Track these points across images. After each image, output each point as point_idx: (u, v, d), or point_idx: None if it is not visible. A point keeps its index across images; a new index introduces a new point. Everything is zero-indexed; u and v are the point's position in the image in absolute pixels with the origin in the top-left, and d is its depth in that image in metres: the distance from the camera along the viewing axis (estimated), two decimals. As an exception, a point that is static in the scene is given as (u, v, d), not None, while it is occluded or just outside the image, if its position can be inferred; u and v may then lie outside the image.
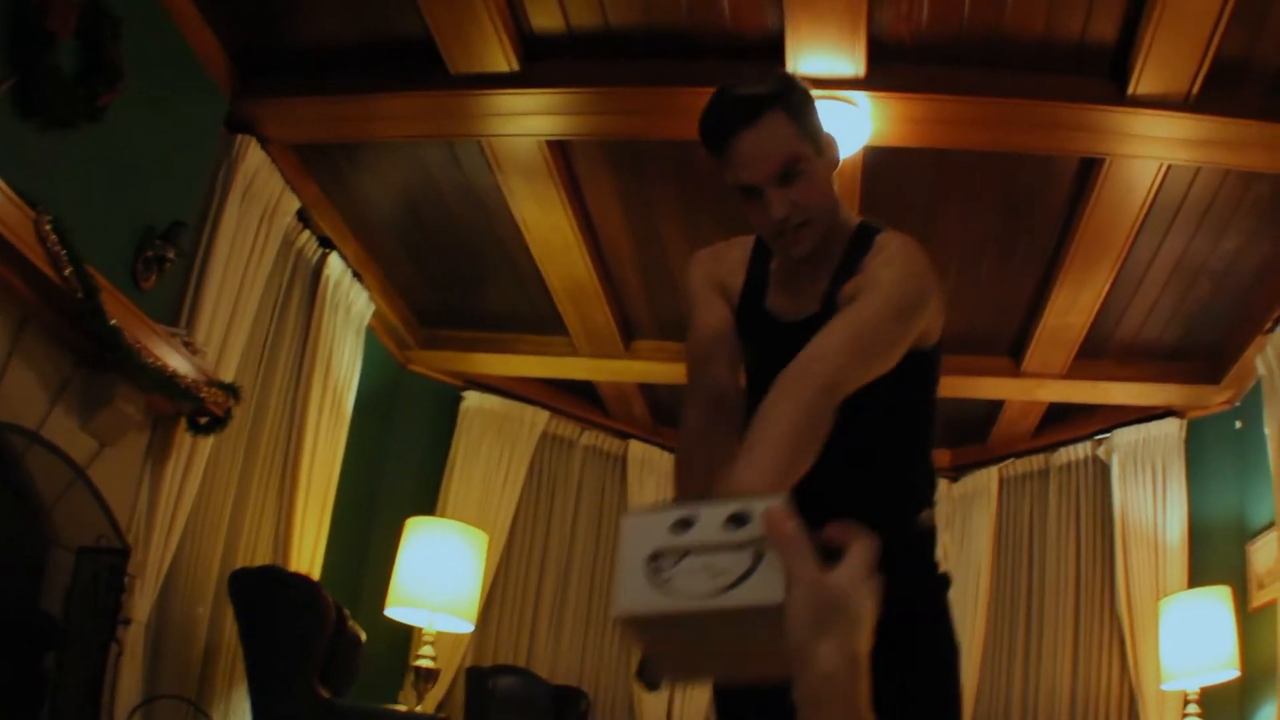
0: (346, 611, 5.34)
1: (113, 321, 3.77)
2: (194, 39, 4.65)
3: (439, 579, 6.04)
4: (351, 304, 6.20)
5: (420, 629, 6.19)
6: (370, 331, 6.54)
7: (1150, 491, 6.78)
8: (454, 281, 6.67)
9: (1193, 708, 5.73)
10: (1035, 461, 7.64)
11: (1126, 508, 6.86)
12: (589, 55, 4.73)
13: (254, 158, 5.05)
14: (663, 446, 8.01)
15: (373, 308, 6.44)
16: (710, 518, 1.13)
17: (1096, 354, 6.48)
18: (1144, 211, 5.07)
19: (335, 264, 5.99)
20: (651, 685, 1.83)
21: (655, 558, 1.11)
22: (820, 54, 4.41)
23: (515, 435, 7.61)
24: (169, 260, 4.48)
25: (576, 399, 7.96)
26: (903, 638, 2.39)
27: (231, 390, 4.59)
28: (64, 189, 3.82)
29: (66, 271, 3.58)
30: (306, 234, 5.79)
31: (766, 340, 2.42)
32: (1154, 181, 4.86)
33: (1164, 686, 6.05)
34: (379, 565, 6.44)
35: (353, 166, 5.61)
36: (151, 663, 4.73)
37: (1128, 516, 6.83)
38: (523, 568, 7.58)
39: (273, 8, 4.72)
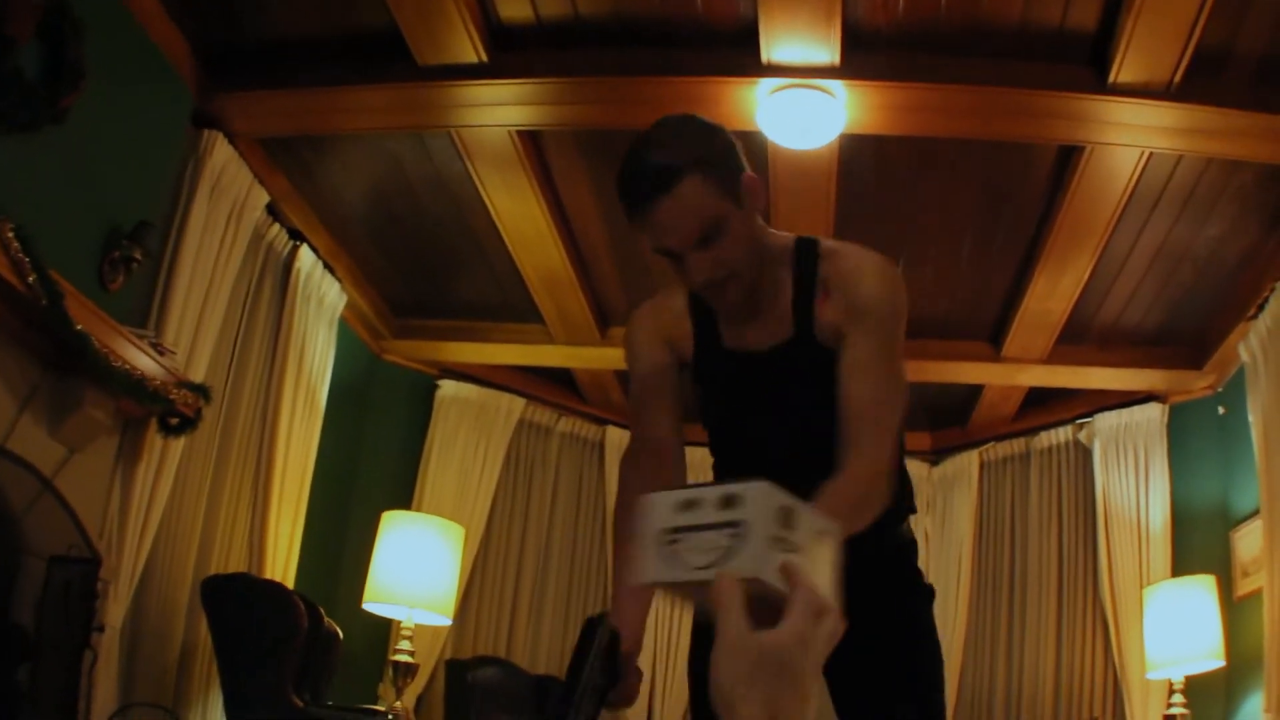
0: (322, 610, 5.30)
1: (79, 327, 3.71)
2: (158, 36, 4.57)
3: (415, 574, 5.98)
4: (324, 296, 6.13)
5: (398, 623, 6.14)
6: (343, 322, 6.47)
7: (1132, 477, 6.75)
8: (427, 271, 6.61)
9: (1178, 698, 5.71)
10: (1016, 445, 7.61)
11: (1109, 493, 6.83)
12: (558, 45, 4.67)
13: (221, 153, 4.97)
14: (640, 432, 7.93)
15: (345, 299, 6.37)
16: (708, 499, 1.29)
17: (1078, 339, 6.45)
18: (1125, 199, 5.03)
19: (306, 256, 5.91)
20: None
21: (669, 532, 1.30)
22: (794, 42, 4.35)
23: (492, 423, 7.55)
24: (136, 260, 4.42)
25: (553, 386, 7.90)
26: (886, 651, 2.37)
27: (201, 391, 4.53)
28: (27, 193, 3.77)
29: (30, 279, 3.52)
30: (276, 227, 5.71)
31: (738, 376, 2.40)
32: (1135, 169, 4.82)
33: (1149, 676, 6.03)
34: (356, 559, 6.38)
35: (322, 159, 5.54)
36: (127, 668, 4.69)
37: (1110, 502, 6.81)
38: (501, 556, 7.53)
39: (237, 2, 4.64)
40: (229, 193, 5.06)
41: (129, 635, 4.67)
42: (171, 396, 4.31)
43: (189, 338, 4.81)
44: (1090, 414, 7.13)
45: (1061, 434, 7.36)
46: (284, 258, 5.84)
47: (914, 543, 2.64)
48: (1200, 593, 5.77)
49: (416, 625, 6.07)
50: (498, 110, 4.91)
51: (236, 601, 4.85)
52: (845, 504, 1.94)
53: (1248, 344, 5.62)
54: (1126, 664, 6.39)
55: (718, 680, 1.04)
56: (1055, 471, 7.35)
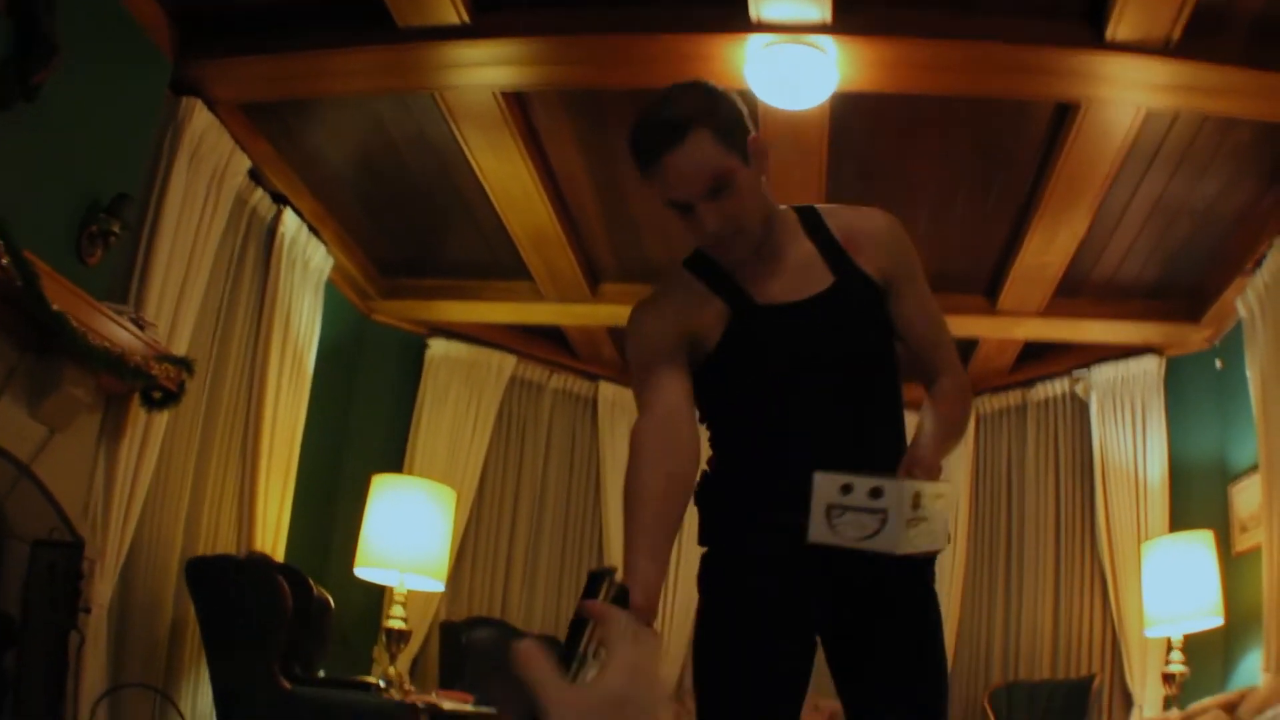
0: (311, 580, 5.25)
1: (55, 308, 3.64)
2: (133, 5, 4.46)
3: (407, 538, 5.92)
4: (309, 259, 6.05)
5: (391, 588, 6.09)
6: (331, 285, 6.39)
7: (1130, 430, 6.71)
8: (414, 232, 6.54)
9: (1176, 654, 5.69)
10: (1013, 397, 7.56)
11: (1106, 446, 6.79)
12: (541, 4, 4.57)
13: (200, 119, 4.88)
14: (633, 387, 7.87)
15: (331, 261, 6.28)
16: (861, 488, 1.90)
17: (1074, 292, 6.39)
18: (1122, 155, 4.96)
19: (290, 220, 5.83)
20: None
21: (832, 508, 1.89)
22: (785, -2, 4.25)
23: (483, 381, 7.49)
24: (114, 234, 4.33)
25: (544, 343, 7.84)
26: (889, 602, 2.37)
27: (184, 364, 4.45)
28: (0, 172, 3.68)
29: (3, 260, 3.44)
30: (259, 192, 5.62)
31: (785, 326, 2.45)
32: (1132, 126, 4.74)
33: (1147, 633, 6.01)
34: (348, 524, 6.31)
35: (305, 123, 5.44)
36: (117, 646, 4.67)
37: (1107, 455, 6.77)
38: (494, 516, 7.49)
39: (212, -33, 4.54)
40: (209, 159, 4.98)
41: (117, 613, 4.64)
42: (153, 371, 4.24)
43: (171, 309, 4.75)
44: (1087, 365, 7.07)
45: (1058, 386, 7.31)
46: (268, 223, 5.76)
47: None
48: (1199, 548, 5.74)
49: (409, 591, 6.02)
50: (481, 71, 4.82)
51: (221, 585, 4.80)
52: (959, 411, 2.49)
53: (1245, 299, 5.57)
54: (1125, 620, 6.37)
55: None
56: (1052, 425, 7.31)
